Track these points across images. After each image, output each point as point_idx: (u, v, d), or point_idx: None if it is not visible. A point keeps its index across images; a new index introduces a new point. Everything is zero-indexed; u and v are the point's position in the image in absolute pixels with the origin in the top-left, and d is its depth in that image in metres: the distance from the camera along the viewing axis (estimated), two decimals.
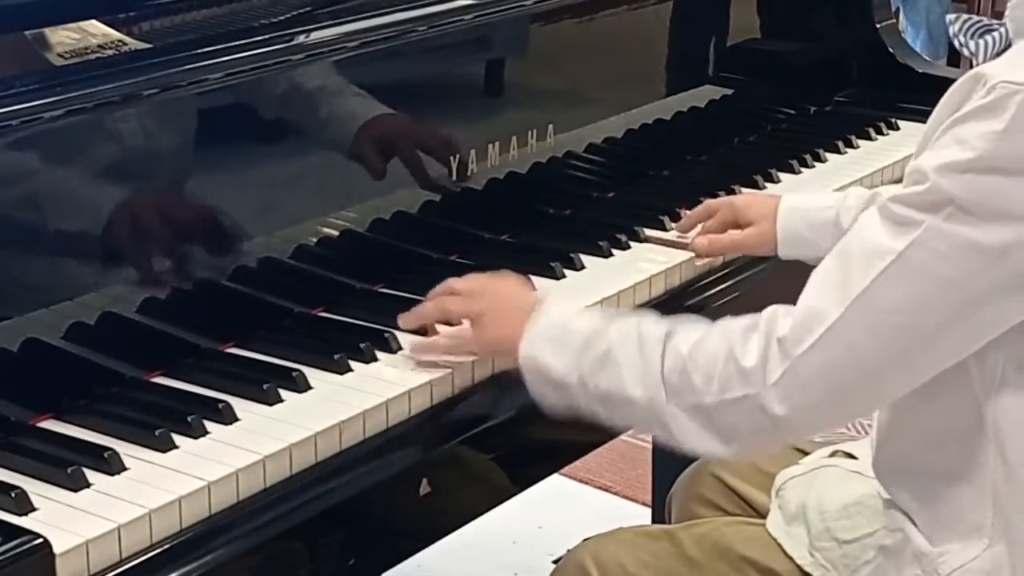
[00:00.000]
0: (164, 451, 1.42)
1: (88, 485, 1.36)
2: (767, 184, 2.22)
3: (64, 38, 1.55)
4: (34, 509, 1.31)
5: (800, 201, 1.89)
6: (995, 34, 4.83)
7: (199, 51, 1.61)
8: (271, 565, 1.41)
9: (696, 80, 2.36)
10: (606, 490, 3.17)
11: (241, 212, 1.66)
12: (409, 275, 1.82)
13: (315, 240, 1.75)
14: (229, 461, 1.40)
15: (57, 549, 1.25)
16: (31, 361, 1.48)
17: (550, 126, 2.02)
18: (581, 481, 3.18)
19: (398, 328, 1.65)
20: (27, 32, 1.54)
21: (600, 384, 1.46)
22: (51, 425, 1.48)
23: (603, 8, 2.12)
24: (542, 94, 2.08)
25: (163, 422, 1.45)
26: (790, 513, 1.61)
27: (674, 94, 2.30)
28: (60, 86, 1.48)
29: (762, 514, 1.67)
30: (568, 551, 1.70)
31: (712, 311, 1.88)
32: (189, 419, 1.46)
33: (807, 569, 1.56)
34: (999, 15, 4.61)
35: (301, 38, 1.73)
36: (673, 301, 1.87)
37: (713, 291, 1.92)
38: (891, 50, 2.61)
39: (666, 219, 2.01)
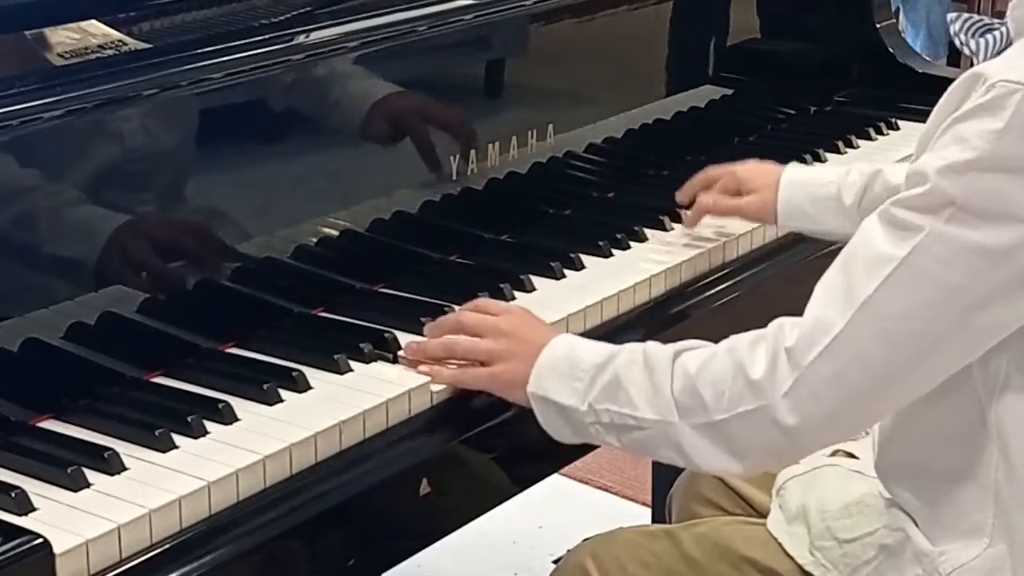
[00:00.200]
0: (164, 451, 1.42)
1: (88, 485, 1.36)
2: None
3: (64, 38, 1.55)
4: (34, 509, 1.31)
5: (802, 174, 1.92)
6: (995, 33, 4.82)
7: (199, 51, 1.61)
8: (271, 565, 1.41)
9: (696, 80, 2.36)
10: (606, 490, 3.17)
11: (241, 212, 1.66)
12: (409, 275, 1.82)
13: (315, 240, 1.75)
14: (229, 461, 1.40)
15: (57, 549, 1.25)
16: (31, 361, 1.48)
17: (550, 126, 2.02)
18: (581, 481, 3.18)
19: (398, 328, 1.65)
20: (27, 32, 1.54)
21: (611, 410, 1.46)
22: (51, 425, 1.48)
23: (603, 8, 2.11)
24: (542, 94, 2.08)
25: (163, 422, 1.45)
26: (791, 512, 1.60)
27: (674, 94, 2.30)
28: (60, 86, 1.48)
29: (762, 514, 1.67)
30: (568, 551, 1.70)
31: (712, 311, 1.89)
32: (189, 419, 1.45)
33: (808, 568, 1.56)
34: (999, 15, 4.60)
35: (301, 38, 1.73)
36: (673, 301, 1.87)
37: (713, 291, 1.92)
38: (891, 50, 2.61)
39: (666, 219, 2.01)
